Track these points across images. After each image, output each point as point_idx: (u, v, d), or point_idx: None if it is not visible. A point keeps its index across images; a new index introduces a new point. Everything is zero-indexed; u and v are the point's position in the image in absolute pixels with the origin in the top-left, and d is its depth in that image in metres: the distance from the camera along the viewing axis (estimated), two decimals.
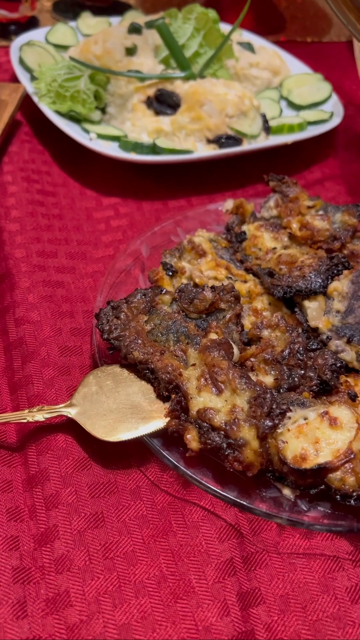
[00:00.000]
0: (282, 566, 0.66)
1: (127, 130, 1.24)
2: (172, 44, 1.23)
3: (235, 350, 0.79)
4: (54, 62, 1.27)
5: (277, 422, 0.69)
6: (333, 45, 1.94)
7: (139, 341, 0.77)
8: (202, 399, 0.71)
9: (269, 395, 0.70)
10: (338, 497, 0.67)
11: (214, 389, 0.72)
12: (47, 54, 1.39)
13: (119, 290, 0.92)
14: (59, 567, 0.63)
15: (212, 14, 1.39)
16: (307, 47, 1.90)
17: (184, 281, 0.93)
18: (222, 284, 0.87)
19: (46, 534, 0.65)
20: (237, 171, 1.25)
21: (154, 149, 1.14)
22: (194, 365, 0.75)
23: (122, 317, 0.80)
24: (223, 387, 0.72)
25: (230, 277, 0.95)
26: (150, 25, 1.45)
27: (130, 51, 1.32)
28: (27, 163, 1.17)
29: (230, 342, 0.79)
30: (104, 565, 0.64)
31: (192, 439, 0.69)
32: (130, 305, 0.82)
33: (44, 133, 1.25)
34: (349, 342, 0.84)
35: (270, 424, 0.68)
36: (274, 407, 0.69)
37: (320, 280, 0.88)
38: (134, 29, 1.41)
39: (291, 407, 0.74)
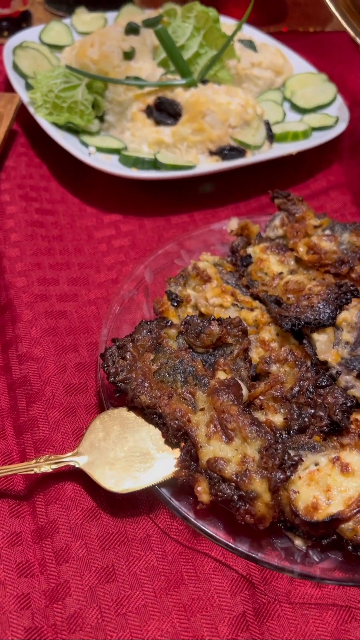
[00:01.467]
0: (294, 617, 0.66)
1: (126, 140, 1.20)
2: (172, 50, 1.18)
3: (244, 391, 0.77)
4: (50, 69, 1.22)
5: (289, 474, 0.68)
6: (336, 35, 1.87)
7: (146, 384, 0.75)
8: (212, 448, 0.70)
9: (280, 446, 0.69)
10: (350, 547, 0.67)
11: (224, 436, 0.71)
12: (42, 57, 1.34)
13: (123, 320, 0.90)
14: (71, 626, 0.62)
15: (212, 12, 1.33)
16: (310, 37, 1.84)
17: (190, 310, 0.91)
18: (229, 317, 0.85)
19: (57, 590, 0.65)
20: (241, 182, 1.22)
21: (155, 164, 1.11)
22: (202, 409, 0.74)
23: (128, 357, 0.78)
24: (233, 434, 0.71)
25: (236, 304, 0.93)
26: (148, 24, 1.40)
27: (128, 55, 1.28)
28: (24, 179, 1.14)
29: (239, 381, 0.78)
30: (116, 622, 0.63)
31: (202, 491, 0.68)
32: (136, 343, 0.80)
33: (41, 143, 1.21)
34: (358, 376, 0.82)
35: (282, 476, 0.67)
36: (285, 458, 0.68)
37: (329, 311, 0.86)
38: (132, 29, 1.36)
39: (302, 452, 0.73)
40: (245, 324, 0.85)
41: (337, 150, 1.35)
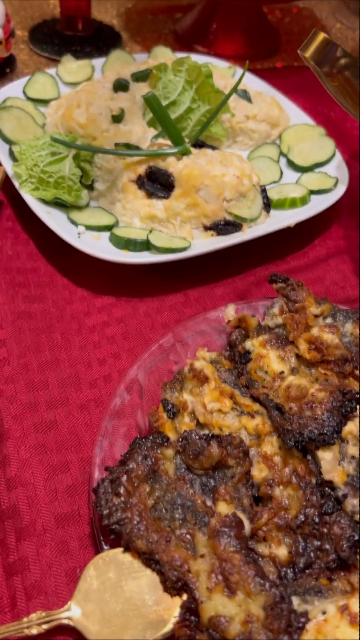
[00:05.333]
0: None
1: (117, 213, 1.15)
2: (163, 118, 1.12)
3: (247, 526, 0.73)
4: (35, 138, 1.16)
5: (296, 638, 0.64)
6: None
7: (142, 526, 0.71)
8: (214, 603, 0.66)
9: (286, 605, 0.65)
10: None
11: (226, 589, 0.67)
12: (26, 116, 1.28)
13: (116, 432, 0.85)
14: None
15: (204, 68, 1.27)
16: (306, 73, 1.76)
17: (187, 420, 0.87)
18: (230, 435, 0.81)
19: None
20: (236, 255, 1.16)
21: (148, 245, 1.06)
22: (202, 556, 0.70)
23: (122, 492, 0.74)
24: (236, 587, 0.67)
25: (236, 408, 0.89)
26: (137, 78, 1.34)
27: (117, 118, 1.22)
28: (11, 260, 1.08)
29: (242, 515, 0.74)
30: None
31: None
32: (130, 475, 0.75)
33: (28, 216, 1.15)
34: None
35: None
36: (292, 619, 0.64)
37: (334, 425, 0.82)
38: (120, 86, 1.30)
39: (308, 598, 0.70)
40: (246, 444, 0.81)
41: (336, 209, 1.30)
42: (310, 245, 1.23)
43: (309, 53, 0.76)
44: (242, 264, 1.17)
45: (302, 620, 0.65)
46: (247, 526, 0.73)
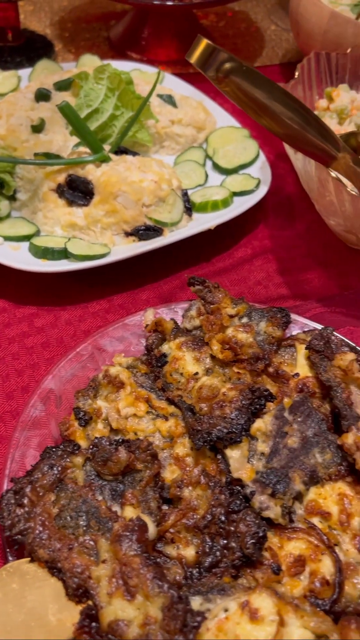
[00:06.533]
0: None
1: (39, 222, 1.15)
2: (79, 126, 1.13)
3: (151, 529, 0.74)
4: None
5: (191, 637, 0.64)
6: (265, 70, 1.84)
7: (44, 535, 0.71)
8: (113, 608, 0.67)
9: (182, 606, 0.65)
10: None
11: (126, 593, 0.67)
12: None
13: (29, 443, 0.85)
14: None
15: (124, 75, 1.28)
16: None
17: (100, 427, 0.87)
18: (138, 440, 0.81)
19: None
20: (161, 259, 1.17)
21: (66, 253, 1.06)
22: (104, 561, 0.70)
23: (25, 502, 0.74)
24: (135, 591, 0.67)
25: (151, 412, 0.89)
26: (59, 87, 1.34)
27: (37, 128, 1.22)
28: None
29: (147, 518, 0.74)
30: None
31: None
32: (35, 485, 0.75)
33: None
34: (273, 494, 0.79)
35: None
36: (187, 619, 0.65)
37: (242, 423, 0.83)
38: (42, 96, 1.30)
39: (211, 596, 0.70)
40: (159, 446, 0.82)
41: (262, 209, 1.32)
42: (236, 246, 1.25)
43: (193, 59, 0.77)
44: (167, 267, 1.18)
45: (198, 619, 0.66)
46: (152, 529, 0.74)
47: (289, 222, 1.30)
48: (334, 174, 0.95)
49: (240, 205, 1.20)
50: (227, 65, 0.77)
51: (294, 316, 1.04)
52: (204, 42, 0.76)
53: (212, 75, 0.78)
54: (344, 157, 0.94)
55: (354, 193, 0.93)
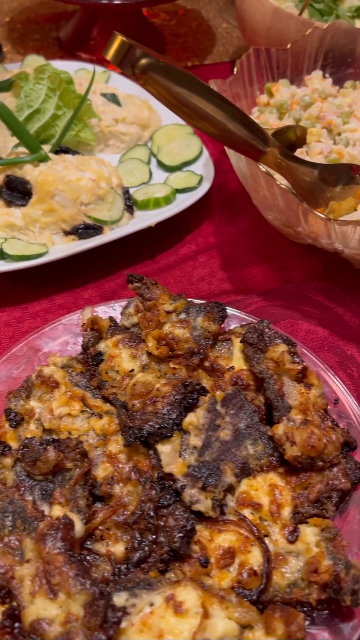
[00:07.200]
0: None
1: None
2: (15, 127, 1.12)
3: (78, 527, 0.73)
4: None
5: (111, 633, 0.64)
6: (215, 67, 1.85)
7: None
8: (36, 607, 0.66)
9: (102, 602, 0.65)
10: None
11: (49, 592, 0.67)
12: None
13: None
14: None
15: (64, 75, 1.28)
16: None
17: (33, 427, 0.87)
18: (69, 439, 0.81)
19: None
20: (104, 257, 1.17)
21: (2, 254, 1.05)
22: (28, 561, 0.70)
23: None
24: (58, 589, 0.67)
25: (86, 411, 0.89)
26: (0, 88, 1.33)
27: None
28: None
29: (75, 516, 0.74)
30: None
31: None
32: None
33: None
34: (204, 488, 0.79)
35: (103, 637, 0.63)
36: (108, 615, 0.65)
37: (173, 418, 0.83)
38: None
39: (137, 591, 0.70)
40: (84, 447, 0.81)
41: (207, 206, 1.32)
42: (181, 243, 1.25)
43: (109, 56, 0.77)
44: (110, 266, 1.18)
45: (119, 614, 0.65)
46: (79, 527, 0.74)
47: (233, 218, 1.30)
48: (263, 168, 0.96)
49: (182, 202, 1.20)
50: (144, 62, 0.77)
51: (234, 311, 1.05)
52: (119, 39, 0.75)
53: (129, 72, 0.78)
54: (272, 151, 0.94)
55: (283, 186, 0.94)
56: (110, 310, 1.04)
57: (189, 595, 0.69)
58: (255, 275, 1.19)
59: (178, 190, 1.24)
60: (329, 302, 1.13)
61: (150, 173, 1.31)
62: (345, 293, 1.14)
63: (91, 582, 0.67)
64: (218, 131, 0.88)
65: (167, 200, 1.21)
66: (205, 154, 1.33)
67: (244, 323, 1.03)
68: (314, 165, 0.99)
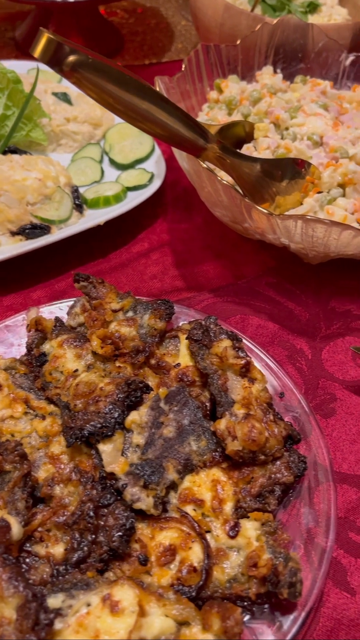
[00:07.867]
0: None
1: None
2: None
3: (15, 529, 0.73)
4: None
5: (43, 635, 0.64)
6: (172, 65, 1.84)
7: None
8: None
9: (34, 604, 0.64)
10: None
11: None
12: None
13: None
14: None
15: (11, 74, 1.26)
16: (145, 70, 1.80)
17: None
18: (7, 441, 0.80)
19: None
20: (52, 256, 1.16)
21: None
22: None
23: None
24: None
25: (29, 412, 0.88)
26: None
27: None
28: None
29: (12, 518, 0.73)
30: None
31: None
32: None
33: None
34: (145, 486, 0.79)
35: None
36: (40, 618, 0.64)
37: (115, 416, 0.83)
38: None
39: (74, 592, 0.70)
40: (23, 449, 0.80)
41: (161, 203, 1.32)
42: (134, 241, 1.24)
43: (37, 53, 0.76)
44: (60, 265, 1.17)
45: (51, 616, 0.65)
46: (17, 529, 0.73)
47: (186, 215, 1.30)
48: (205, 164, 0.96)
49: (133, 200, 1.20)
50: (72, 59, 0.76)
51: (184, 308, 1.04)
52: (45, 36, 0.75)
53: (58, 69, 0.77)
54: (212, 147, 0.94)
55: (225, 182, 0.94)
56: (57, 310, 1.03)
57: (125, 595, 0.68)
58: (208, 272, 1.19)
59: (129, 188, 1.24)
60: (280, 297, 1.13)
61: (102, 171, 1.31)
62: (295, 288, 1.14)
63: (24, 584, 0.66)
64: (157, 128, 0.88)
65: (117, 198, 1.20)
66: (157, 151, 1.32)
67: (192, 319, 1.03)
68: (255, 160, 0.99)
